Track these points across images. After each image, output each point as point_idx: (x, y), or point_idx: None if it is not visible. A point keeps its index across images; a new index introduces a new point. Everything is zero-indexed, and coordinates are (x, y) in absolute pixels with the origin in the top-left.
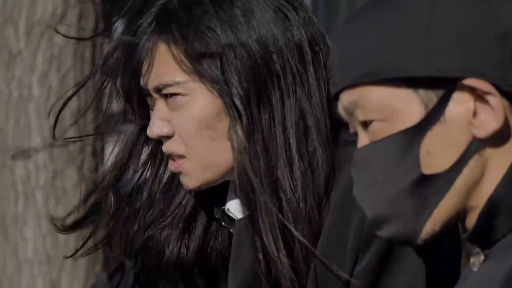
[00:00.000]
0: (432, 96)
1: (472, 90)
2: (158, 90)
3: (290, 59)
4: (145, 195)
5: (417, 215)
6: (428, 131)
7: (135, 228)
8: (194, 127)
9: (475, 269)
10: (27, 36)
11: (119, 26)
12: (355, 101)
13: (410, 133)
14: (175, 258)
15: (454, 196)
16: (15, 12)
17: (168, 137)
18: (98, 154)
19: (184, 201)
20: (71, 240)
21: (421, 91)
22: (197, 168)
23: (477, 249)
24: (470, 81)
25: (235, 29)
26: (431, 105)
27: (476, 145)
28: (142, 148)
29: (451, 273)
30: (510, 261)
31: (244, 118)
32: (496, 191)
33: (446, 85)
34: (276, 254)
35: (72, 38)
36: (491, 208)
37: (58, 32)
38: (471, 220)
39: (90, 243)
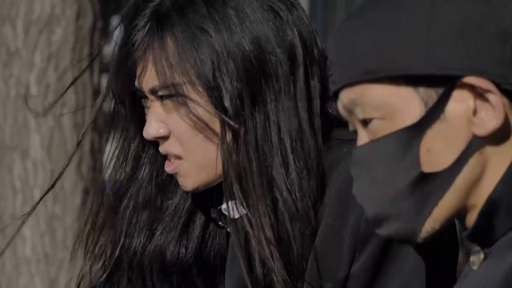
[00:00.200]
0: (432, 94)
1: (472, 88)
2: (153, 91)
3: (283, 59)
4: (142, 196)
5: (417, 213)
6: (428, 129)
7: (134, 229)
8: (189, 128)
9: (475, 267)
10: (25, 35)
11: (116, 26)
12: (355, 99)
13: (410, 131)
14: (174, 259)
15: (454, 195)
16: (13, 11)
17: (164, 138)
18: (96, 153)
19: (181, 202)
20: (69, 239)
21: (421, 89)
22: (194, 168)
23: (477, 248)
24: (470, 79)
25: (228, 29)
26: (431, 103)
27: (476, 143)
28: (138, 150)
29: (448, 271)
30: (510, 260)
31: (234, 120)
32: (496, 189)
33: (446, 83)
34: (269, 255)
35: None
36: (491, 207)
37: None
38: (471, 218)
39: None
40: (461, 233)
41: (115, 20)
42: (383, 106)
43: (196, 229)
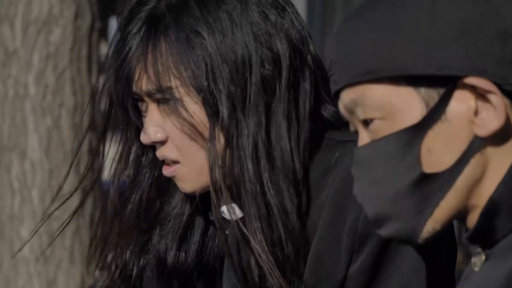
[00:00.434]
0: (433, 95)
1: (473, 88)
2: (150, 94)
3: (276, 63)
4: (141, 200)
5: (418, 214)
6: (429, 129)
7: (133, 233)
8: (186, 132)
9: (476, 269)
10: (23, 35)
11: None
12: (356, 99)
13: (411, 132)
14: (175, 262)
15: (455, 195)
16: (11, 11)
17: (162, 142)
18: (94, 153)
19: (180, 205)
20: (67, 239)
21: (422, 89)
22: (192, 172)
23: (478, 249)
24: (471, 80)
25: (221, 32)
26: (432, 103)
27: (477, 144)
28: (138, 154)
29: (447, 271)
30: (511, 262)
31: (227, 124)
32: (497, 190)
33: (447, 83)
34: (264, 257)
35: None
36: (492, 208)
37: None
38: (472, 219)
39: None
40: (459, 233)
41: (113, 21)
42: (383, 107)
43: (197, 232)
